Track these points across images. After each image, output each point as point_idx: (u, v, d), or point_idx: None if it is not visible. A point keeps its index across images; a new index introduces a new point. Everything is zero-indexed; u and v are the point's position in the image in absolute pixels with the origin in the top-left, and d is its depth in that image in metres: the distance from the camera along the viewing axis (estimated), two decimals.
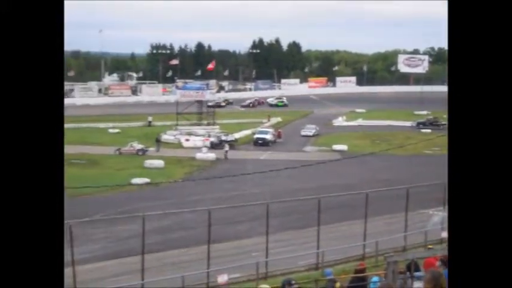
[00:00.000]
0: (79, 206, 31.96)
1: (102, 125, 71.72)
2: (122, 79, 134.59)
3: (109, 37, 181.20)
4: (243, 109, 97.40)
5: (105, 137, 63.82)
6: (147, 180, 40.21)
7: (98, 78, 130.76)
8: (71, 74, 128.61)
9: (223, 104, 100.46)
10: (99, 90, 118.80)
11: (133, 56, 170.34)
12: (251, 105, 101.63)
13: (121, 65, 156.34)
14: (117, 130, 68.56)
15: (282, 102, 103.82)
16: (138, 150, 52.66)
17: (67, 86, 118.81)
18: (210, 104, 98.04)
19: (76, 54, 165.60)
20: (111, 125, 71.75)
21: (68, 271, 19.47)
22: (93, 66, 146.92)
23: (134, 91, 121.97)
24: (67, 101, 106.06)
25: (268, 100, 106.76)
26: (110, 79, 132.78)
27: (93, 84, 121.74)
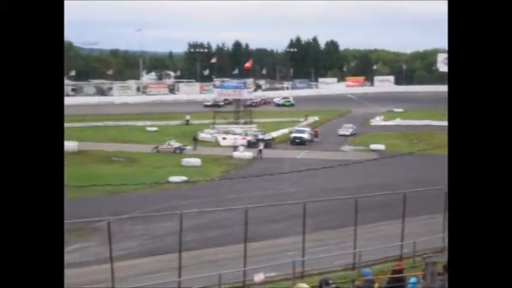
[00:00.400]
0: (118, 203, 32.38)
1: (140, 123, 72.40)
2: (160, 78, 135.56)
3: (148, 36, 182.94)
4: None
5: (143, 135, 64.43)
6: (184, 178, 40.46)
7: (137, 77, 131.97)
8: (110, 72, 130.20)
9: (221, 103, 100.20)
10: (138, 89, 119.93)
11: (171, 55, 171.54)
12: (254, 104, 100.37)
13: (159, 63, 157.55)
14: (155, 128, 69.17)
15: (289, 102, 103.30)
16: (176, 148, 53.05)
17: (106, 84, 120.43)
18: (207, 103, 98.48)
19: (115, 53, 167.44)
20: (149, 123, 72.42)
21: (106, 267, 19.72)
22: (131, 65, 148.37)
23: (172, 90, 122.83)
24: (106, 99, 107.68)
25: (275, 100, 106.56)
26: (148, 78, 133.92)
27: (132, 83, 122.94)
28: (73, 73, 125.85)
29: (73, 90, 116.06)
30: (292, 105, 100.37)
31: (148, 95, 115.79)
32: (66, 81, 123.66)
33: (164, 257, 23.54)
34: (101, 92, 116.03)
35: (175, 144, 53.85)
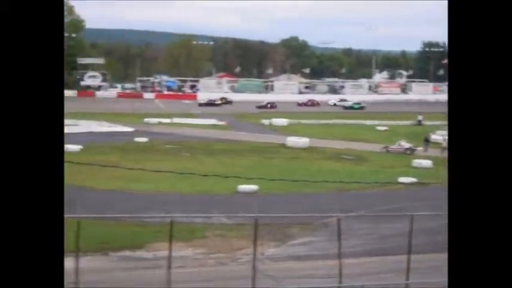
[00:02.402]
0: (346, 201, 32.67)
1: (369, 122, 72.53)
2: (392, 77, 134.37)
3: (381, 35, 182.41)
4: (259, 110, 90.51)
5: (373, 134, 64.40)
6: (414, 179, 39.66)
7: (369, 76, 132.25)
8: (343, 71, 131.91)
9: (218, 102, 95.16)
10: (369, 88, 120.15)
11: (404, 54, 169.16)
12: (269, 106, 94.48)
13: (391, 62, 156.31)
14: (385, 128, 68.80)
15: (359, 104, 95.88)
16: (406, 149, 52.24)
17: (338, 83, 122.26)
18: (201, 102, 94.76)
19: (348, 52, 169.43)
20: (378, 122, 72.27)
21: (331, 263, 19.99)
22: (364, 64, 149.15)
23: (404, 89, 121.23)
24: (338, 97, 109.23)
25: (330, 102, 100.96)
26: (380, 77, 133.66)
27: (364, 82, 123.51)
28: (307, 71, 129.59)
29: (306, 87, 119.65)
30: (362, 108, 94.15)
31: (379, 94, 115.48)
32: (300, 79, 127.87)
33: (390, 258, 23.26)
34: (333, 90, 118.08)
35: (405, 144, 53.05)
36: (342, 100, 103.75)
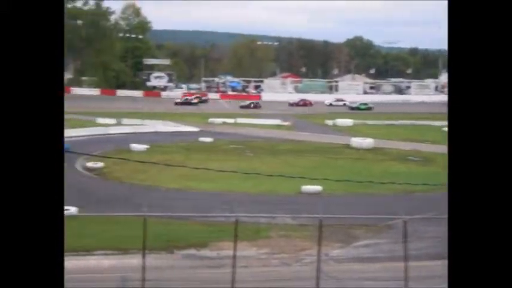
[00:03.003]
0: (413, 203, 32.16)
1: (437, 123, 71.26)
2: None
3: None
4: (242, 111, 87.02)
5: (439, 135, 63.18)
6: None
7: (435, 76, 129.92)
8: (409, 71, 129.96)
9: (194, 101, 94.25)
10: (436, 88, 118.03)
11: None
12: (252, 105, 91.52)
13: None
14: None
15: (366, 105, 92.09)
16: None
17: (404, 83, 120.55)
18: (177, 101, 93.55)
19: (414, 52, 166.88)
20: (445, 123, 70.90)
21: (395, 265, 19.72)
22: (430, 64, 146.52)
23: None
24: (403, 97, 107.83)
25: (326, 102, 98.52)
26: (446, 77, 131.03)
27: (430, 82, 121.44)
28: (372, 71, 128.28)
29: (371, 88, 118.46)
30: (369, 108, 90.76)
31: (445, 94, 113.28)
32: (365, 79, 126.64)
33: None
34: (399, 90, 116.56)
35: None
36: (338, 100, 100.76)
